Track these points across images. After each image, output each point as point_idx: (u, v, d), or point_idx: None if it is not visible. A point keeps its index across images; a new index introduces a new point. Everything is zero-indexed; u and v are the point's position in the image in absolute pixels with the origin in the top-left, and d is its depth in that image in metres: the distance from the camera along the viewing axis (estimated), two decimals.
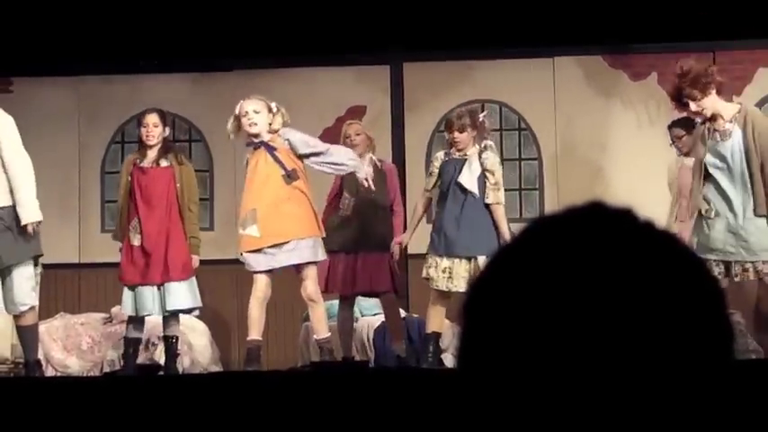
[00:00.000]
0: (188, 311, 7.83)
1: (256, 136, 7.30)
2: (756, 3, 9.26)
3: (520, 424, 1.05)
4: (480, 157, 7.49)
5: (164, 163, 7.70)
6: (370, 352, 8.90)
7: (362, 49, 9.92)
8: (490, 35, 9.72)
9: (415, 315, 8.89)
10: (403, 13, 9.61)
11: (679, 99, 6.91)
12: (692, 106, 6.87)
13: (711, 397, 1.06)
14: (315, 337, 7.55)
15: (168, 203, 7.65)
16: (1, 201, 7.05)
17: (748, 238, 6.82)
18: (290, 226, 7.21)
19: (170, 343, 7.76)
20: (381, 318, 8.59)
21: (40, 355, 7.77)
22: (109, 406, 5.40)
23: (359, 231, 7.90)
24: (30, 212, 7.00)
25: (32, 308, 7.21)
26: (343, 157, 7.42)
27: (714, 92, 6.87)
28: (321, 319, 7.40)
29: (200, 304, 7.78)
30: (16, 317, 7.23)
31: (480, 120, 7.62)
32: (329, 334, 7.46)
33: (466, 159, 7.48)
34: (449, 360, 8.05)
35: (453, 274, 7.35)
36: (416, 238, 8.02)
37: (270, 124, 7.31)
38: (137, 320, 7.74)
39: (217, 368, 9.23)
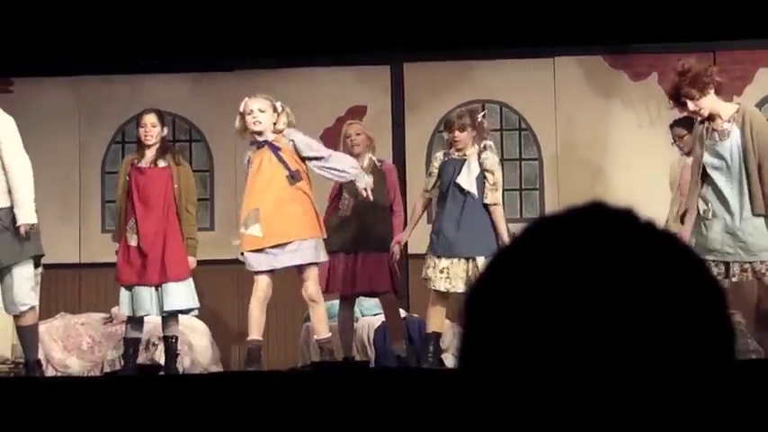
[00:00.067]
0: (185, 312, 7.82)
1: (260, 134, 7.30)
2: (756, 3, 9.26)
3: (520, 424, 1.05)
4: (480, 157, 7.49)
5: (161, 163, 7.70)
6: (371, 352, 8.90)
7: (363, 49, 9.92)
8: (490, 35, 9.72)
9: (416, 315, 8.89)
10: (403, 13, 9.61)
11: (677, 98, 6.91)
12: (690, 105, 6.87)
13: (712, 397, 1.06)
14: (315, 337, 7.55)
15: (166, 204, 7.64)
16: (0, 201, 7.05)
17: (746, 239, 6.82)
18: (293, 226, 7.21)
19: (169, 343, 7.76)
20: (382, 318, 8.59)
21: (41, 355, 7.77)
22: (109, 406, 5.40)
23: (358, 231, 7.90)
24: (25, 214, 7.00)
25: (32, 308, 7.21)
26: (345, 165, 7.42)
27: (713, 92, 6.86)
28: (322, 320, 7.40)
29: (197, 305, 7.77)
30: (16, 317, 7.23)
31: (479, 120, 7.62)
32: (330, 334, 7.46)
33: (465, 160, 7.48)
34: (449, 360, 8.05)
35: (451, 275, 7.35)
36: (417, 238, 8.02)
37: (274, 124, 7.31)
38: (135, 321, 7.74)
39: (217, 368, 9.23)
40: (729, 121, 6.92)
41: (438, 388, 5.01)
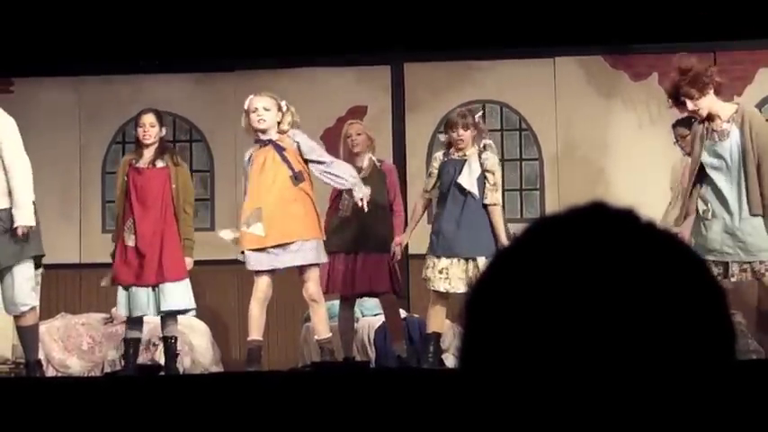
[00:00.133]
0: (182, 313, 7.81)
1: (264, 132, 7.30)
2: (756, 3, 9.26)
3: (521, 424, 1.05)
4: (480, 157, 7.49)
5: (159, 164, 7.69)
6: (371, 352, 8.90)
7: (363, 49, 9.92)
8: (491, 35, 9.72)
9: (416, 315, 8.89)
10: (404, 13, 9.61)
11: (676, 97, 6.92)
12: (689, 105, 6.87)
13: (712, 397, 1.06)
14: (316, 337, 7.55)
15: (163, 204, 7.64)
16: (1, 203, 7.05)
17: (745, 239, 6.82)
18: (296, 227, 7.21)
19: (169, 343, 7.76)
20: (382, 318, 8.59)
21: (41, 356, 7.77)
22: (109, 406, 5.40)
23: (359, 232, 7.89)
24: (23, 216, 7.00)
25: (33, 308, 7.21)
26: (345, 173, 7.42)
27: (712, 92, 6.87)
28: (322, 320, 7.40)
29: (193, 306, 7.77)
30: (17, 317, 7.23)
31: (477, 119, 7.64)
32: (330, 334, 7.46)
33: (465, 160, 7.48)
34: (449, 360, 8.05)
35: (450, 275, 7.35)
36: (417, 238, 8.02)
37: (279, 123, 7.31)
38: (135, 321, 7.73)
39: (217, 368, 9.23)
40: (729, 122, 6.92)
41: (438, 388, 5.01)
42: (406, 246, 8.13)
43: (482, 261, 7.20)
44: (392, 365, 8.12)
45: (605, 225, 1.09)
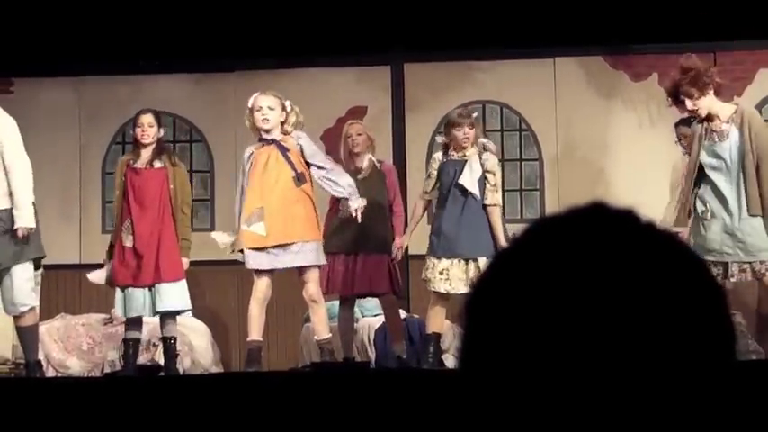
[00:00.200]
0: (177, 313, 7.81)
1: (268, 132, 7.29)
2: (757, 3, 9.26)
3: (521, 425, 1.05)
4: (480, 157, 7.49)
5: (157, 164, 7.69)
6: (371, 353, 8.90)
7: (363, 49, 9.92)
8: (491, 35, 9.72)
9: (416, 316, 8.89)
10: (404, 13, 9.61)
11: (676, 95, 6.92)
12: (688, 104, 6.88)
13: (712, 398, 1.06)
14: (316, 337, 7.55)
15: (161, 205, 7.63)
16: (1, 203, 7.05)
17: (745, 239, 6.82)
18: (297, 228, 7.21)
19: (168, 344, 7.75)
20: (382, 318, 8.59)
21: (41, 356, 7.77)
22: (109, 407, 5.40)
23: (358, 233, 7.89)
24: (24, 218, 7.00)
25: (32, 308, 7.21)
26: (343, 182, 7.40)
27: (711, 92, 6.88)
28: (322, 320, 7.40)
29: (189, 306, 7.76)
30: (16, 317, 7.23)
31: (476, 119, 7.67)
32: (330, 335, 7.46)
33: (466, 161, 7.48)
34: (449, 361, 8.05)
35: (451, 276, 7.35)
36: (418, 239, 8.02)
37: (282, 123, 7.31)
38: (134, 321, 7.72)
39: (217, 369, 9.23)
40: (728, 122, 6.93)
41: (438, 389, 5.01)
42: (406, 246, 8.13)
43: (483, 262, 7.19)
44: (392, 366, 8.12)
45: (605, 226, 1.09)
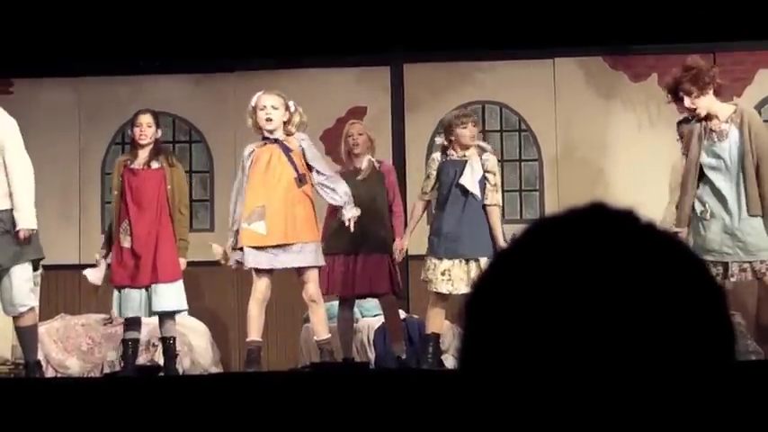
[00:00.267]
0: (173, 314, 7.80)
1: (271, 131, 7.28)
2: (757, 3, 9.26)
3: (521, 425, 1.05)
4: (481, 158, 7.50)
5: (155, 164, 7.68)
6: (371, 353, 8.90)
7: (363, 49, 9.92)
8: (491, 36, 9.72)
9: (415, 316, 8.89)
10: (403, 13, 9.61)
11: (675, 92, 6.93)
12: (687, 102, 6.88)
13: (712, 398, 1.06)
14: (315, 338, 7.55)
15: (159, 205, 7.63)
16: (1, 204, 7.04)
17: (745, 239, 6.83)
18: (298, 228, 7.21)
19: (168, 344, 7.75)
20: (382, 319, 8.59)
21: (40, 356, 7.77)
22: (109, 407, 5.40)
23: (358, 233, 7.88)
24: (25, 219, 6.99)
25: (32, 309, 7.21)
26: (339, 189, 7.40)
27: (711, 92, 6.88)
28: (322, 321, 7.40)
29: (185, 307, 7.75)
30: (16, 318, 7.23)
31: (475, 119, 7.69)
32: (329, 335, 7.46)
33: (466, 161, 7.48)
34: (449, 361, 8.05)
35: (453, 277, 7.35)
36: (417, 239, 8.02)
37: (285, 123, 7.30)
38: (132, 321, 7.72)
39: (217, 369, 9.23)
40: (727, 122, 6.93)
41: (438, 389, 5.01)
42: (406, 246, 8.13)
43: (484, 262, 7.19)
44: (392, 366, 8.12)
45: (605, 226, 1.09)
